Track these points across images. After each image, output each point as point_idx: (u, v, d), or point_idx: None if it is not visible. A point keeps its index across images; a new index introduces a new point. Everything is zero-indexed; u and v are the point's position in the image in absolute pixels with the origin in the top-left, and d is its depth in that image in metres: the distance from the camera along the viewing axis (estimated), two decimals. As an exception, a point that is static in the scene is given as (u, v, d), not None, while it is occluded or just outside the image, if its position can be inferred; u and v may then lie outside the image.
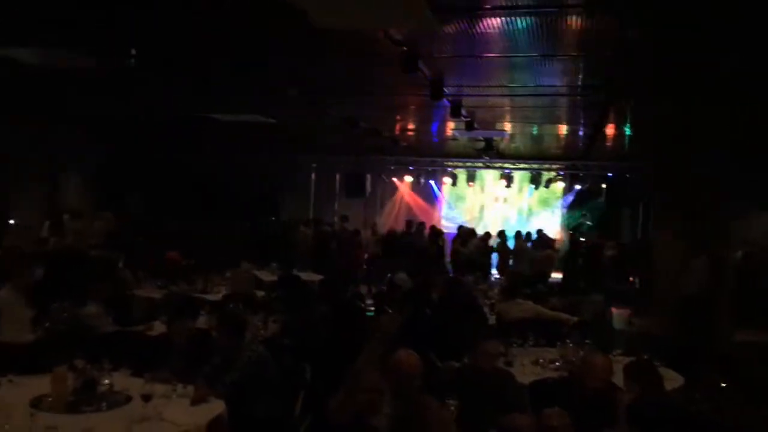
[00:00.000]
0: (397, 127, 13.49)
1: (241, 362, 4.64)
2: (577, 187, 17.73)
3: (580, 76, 8.22)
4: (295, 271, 10.53)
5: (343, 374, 4.63)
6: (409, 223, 15.80)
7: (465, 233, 14.83)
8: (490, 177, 18.78)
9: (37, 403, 3.92)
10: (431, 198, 19.39)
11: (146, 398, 3.85)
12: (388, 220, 18.47)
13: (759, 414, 4.60)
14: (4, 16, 6.04)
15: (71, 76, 8.09)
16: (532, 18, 5.78)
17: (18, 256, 7.85)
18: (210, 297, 8.32)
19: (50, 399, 3.96)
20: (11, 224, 12.55)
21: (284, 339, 6.41)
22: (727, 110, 8.46)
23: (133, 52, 7.20)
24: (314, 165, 18.21)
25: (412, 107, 11.24)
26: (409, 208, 19.12)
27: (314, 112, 10.35)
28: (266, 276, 10.30)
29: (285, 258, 12.30)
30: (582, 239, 15.58)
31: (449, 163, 17.87)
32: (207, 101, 10.37)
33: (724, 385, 5.01)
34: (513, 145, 15.03)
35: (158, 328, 6.27)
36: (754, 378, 5.66)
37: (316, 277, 10.99)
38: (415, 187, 18.97)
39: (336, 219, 17.00)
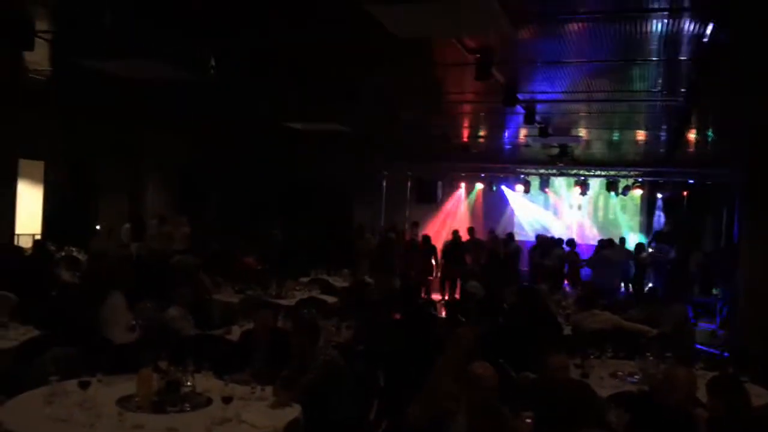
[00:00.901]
0: (469, 133, 13.41)
1: (315, 366, 4.72)
2: (659, 195, 17.23)
3: (660, 81, 7.98)
4: (366, 278, 10.64)
5: (416, 381, 4.65)
6: (471, 230, 15.70)
7: (546, 242, 14.61)
8: (564, 184, 18.44)
9: (124, 403, 4.10)
10: (503, 205, 19.20)
11: (226, 400, 3.96)
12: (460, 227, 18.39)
13: None
14: (84, 28, 6.36)
15: (154, 85, 8.40)
16: (611, 23, 5.66)
17: (118, 262, 8.27)
18: (284, 302, 8.48)
19: (137, 399, 4.14)
20: (97, 230, 13.15)
21: (357, 345, 6.48)
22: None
23: (213, 63, 7.43)
24: (386, 172, 18.32)
25: (484, 114, 11.16)
26: (481, 215, 18.99)
27: (387, 119, 10.43)
28: (338, 282, 10.45)
29: (354, 264, 12.45)
30: (664, 248, 15.08)
31: (522, 170, 17.64)
32: (284, 110, 10.59)
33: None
34: (588, 151, 14.70)
35: (236, 332, 6.44)
36: None
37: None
38: (487, 193, 18.81)
39: (407, 226, 17.06)
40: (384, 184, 18.44)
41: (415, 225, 16.48)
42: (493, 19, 4.90)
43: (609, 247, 13.69)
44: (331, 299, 8.96)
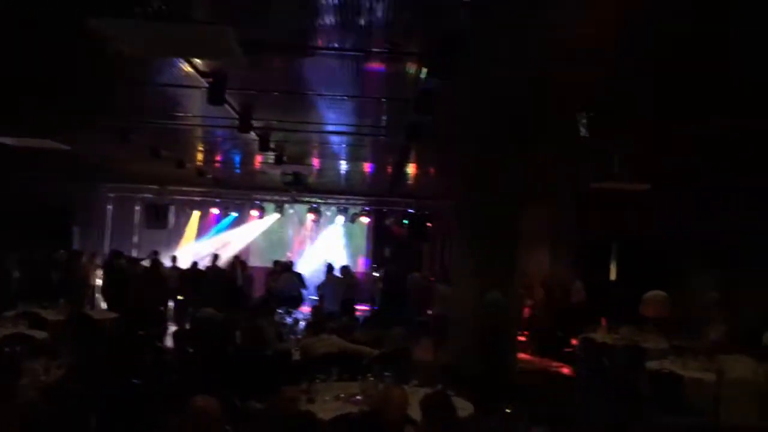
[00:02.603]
0: (203, 157, 13.12)
1: (10, 411, 4.18)
2: (386, 222, 18.51)
3: (384, 117, 8.57)
4: (86, 310, 9.77)
5: (134, 421, 4.35)
6: (215, 257, 15.38)
7: (279, 267, 14.73)
8: (299, 211, 18.92)
9: None
10: (239, 230, 19.09)
11: None
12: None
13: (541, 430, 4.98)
14: None
15: None
16: (340, 59, 5.95)
17: None
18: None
19: None
20: None
21: (70, 384, 5.87)
22: (521, 155, 9.33)
23: None
24: (112, 195, 17.13)
25: (219, 138, 11.02)
26: (215, 241, 18.65)
27: (114, 139, 9.77)
28: (52, 315, 9.43)
29: (71, 295, 11.41)
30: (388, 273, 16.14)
31: (257, 196, 17.73)
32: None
33: (508, 411, 5.38)
34: (321, 179, 15.26)
35: None
36: (534, 401, 6.17)
37: (111, 315, 10.31)
38: (222, 219, 18.58)
39: (135, 252, 16.13)
40: (110, 207, 17.22)
41: (155, 253, 15.45)
42: (226, 46, 4.85)
43: (333, 271, 14.21)
44: (41, 334, 8.06)
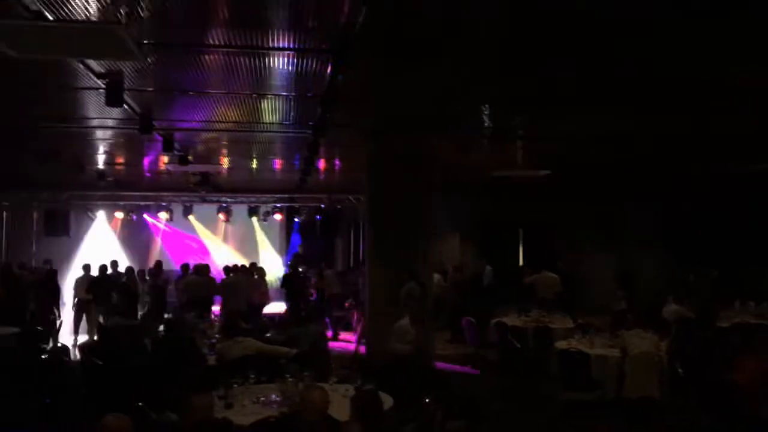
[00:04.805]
0: (105, 160, 12.61)
1: None
2: (296, 219, 18.37)
3: (292, 114, 8.50)
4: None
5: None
6: (114, 263, 14.65)
7: (196, 269, 14.24)
8: (209, 211, 18.45)
9: None
10: (146, 235, 18.51)
11: None
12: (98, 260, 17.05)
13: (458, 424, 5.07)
14: None
15: None
16: (244, 57, 5.85)
17: None
18: None
19: None
20: None
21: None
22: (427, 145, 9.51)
23: None
24: (6, 203, 16.14)
25: (121, 140, 10.62)
26: (122, 247, 17.97)
27: (10, 144, 9.24)
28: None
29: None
30: (300, 269, 16.05)
31: (164, 198, 17.18)
32: None
33: (427, 400, 5.46)
34: (230, 178, 14.97)
35: None
36: (452, 391, 6.32)
37: (11, 330, 9.75)
38: (127, 223, 17.90)
39: (33, 262, 15.26)
40: (5, 215, 16.25)
41: (48, 262, 14.63)
42: (120, 45, 4.67)
43: (236, 271, 13.85)
44: None
